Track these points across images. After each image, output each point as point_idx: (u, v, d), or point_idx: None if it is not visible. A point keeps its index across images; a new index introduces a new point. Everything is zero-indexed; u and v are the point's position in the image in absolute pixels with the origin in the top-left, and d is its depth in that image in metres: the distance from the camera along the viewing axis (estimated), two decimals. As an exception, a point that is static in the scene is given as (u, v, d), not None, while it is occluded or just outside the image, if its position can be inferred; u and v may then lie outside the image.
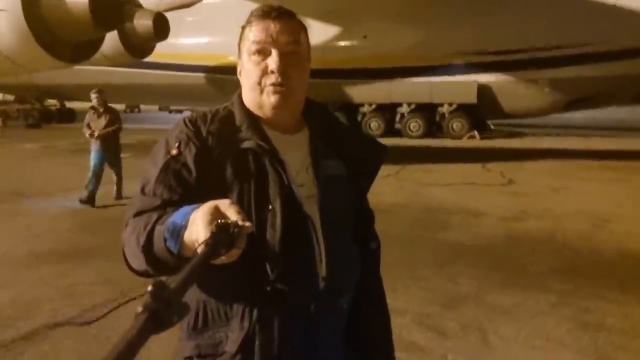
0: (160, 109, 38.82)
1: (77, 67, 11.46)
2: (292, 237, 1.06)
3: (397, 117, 16.51)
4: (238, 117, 1.15)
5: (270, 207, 1.06)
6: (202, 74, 16.27)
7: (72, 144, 14.38)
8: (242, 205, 1.03)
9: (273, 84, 1.11)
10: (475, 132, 15.88)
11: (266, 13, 1.12)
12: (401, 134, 16.51)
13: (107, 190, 7.17)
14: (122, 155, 7.58)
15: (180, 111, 36.76)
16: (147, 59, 12.46)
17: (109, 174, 7.23)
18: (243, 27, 1.16)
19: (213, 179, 1.07)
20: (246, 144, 1.10)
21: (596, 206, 6.81)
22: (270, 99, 1.12)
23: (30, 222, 6.03)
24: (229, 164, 1.08)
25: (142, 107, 39.10)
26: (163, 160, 1.09)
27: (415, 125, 16.22)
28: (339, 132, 1.26)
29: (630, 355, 2.97)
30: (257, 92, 1.14)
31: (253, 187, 1.07)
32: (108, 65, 12.96)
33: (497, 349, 3.04)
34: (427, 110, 16.16)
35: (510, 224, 5.97)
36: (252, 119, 1.14)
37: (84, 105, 25.95)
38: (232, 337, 1.06)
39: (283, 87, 1.12)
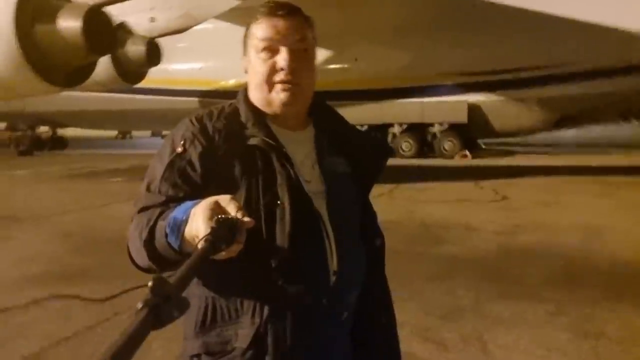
0: (153, 135, 38.80)
1: (68, 93, 11.49)
2: (302, 231, 1.05)
3: (389, 138, 16.59)
4: (243, 113, 1.15)
5: (279, 202, 1.06)
6: (195, 99, 16.35)
7: (64, 170, 14.31)
8: (251, 202, 1.04)
9: (282, 81, 1.12)
10: (467, 151, 15.99)
11: (273, 10, 1.13)
12: (393, 154, 16.53)
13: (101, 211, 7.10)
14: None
15: (173, 137, 36.70)
16: (139, 85, 12.51)
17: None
18: (249, 24, 1.17)
19: (219, 176, 1.07)
20: (252, 141, 1.10)
21: (588, 219, 6.85)
22: (279, 95, 1.13)
23: (22, 246, 5.95)
24: (236, 161, 1.08)
25: (134, 133, 39.09)
26: (168, 158, 1.09)
27: (407, 145, 16.30)
28: (343, 131, 1.27)
29: (631, 362, 2.97)
30: (265, 89, 1.14)
31: (261, 183, 1.07)
32: (100, 91, 12.98)
33: (498, 359, 3.02)
34: (418, 131, 16.28)
35: (504, 238, 5.98)
36: (258, 116, 1.15)
37: (77, 132, 25.97)
38: (242, 333, 1.05)
39: (292, 84, 1.12)
